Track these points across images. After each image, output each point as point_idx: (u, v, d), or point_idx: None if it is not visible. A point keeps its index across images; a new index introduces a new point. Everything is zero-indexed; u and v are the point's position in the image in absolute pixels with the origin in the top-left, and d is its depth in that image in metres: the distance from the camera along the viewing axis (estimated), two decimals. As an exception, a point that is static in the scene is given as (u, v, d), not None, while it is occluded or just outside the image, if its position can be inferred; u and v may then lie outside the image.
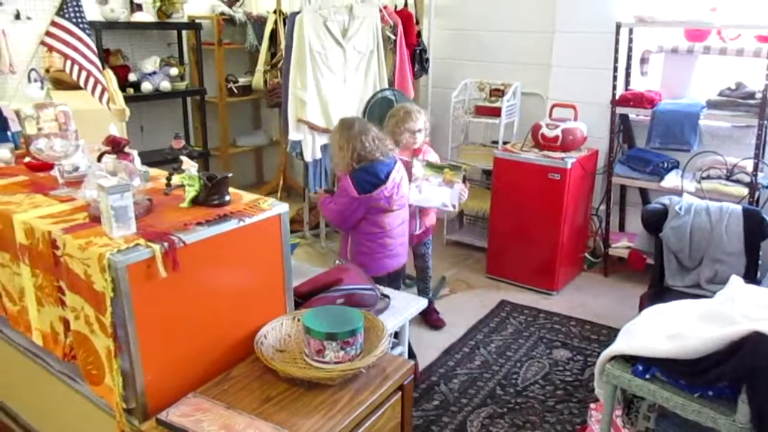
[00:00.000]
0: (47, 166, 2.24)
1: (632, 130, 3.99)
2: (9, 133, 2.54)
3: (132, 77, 4.29)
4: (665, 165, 3.67)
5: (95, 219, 1.72)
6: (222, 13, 4.85)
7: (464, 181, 3.05)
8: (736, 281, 1.74)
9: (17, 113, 2.54)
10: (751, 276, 2.47)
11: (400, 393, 1.80)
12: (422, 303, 2.55)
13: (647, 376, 1.61)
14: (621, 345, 1.68)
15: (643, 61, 3.90)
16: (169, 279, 1.59)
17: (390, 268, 2.86)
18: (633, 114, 3.85)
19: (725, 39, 3.66)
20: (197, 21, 4.65)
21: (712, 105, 3.48)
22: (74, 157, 2.10)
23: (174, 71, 4.50)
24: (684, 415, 1.54)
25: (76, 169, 2.10)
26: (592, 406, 2.33)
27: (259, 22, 4.92)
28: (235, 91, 4.94)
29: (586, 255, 4.09)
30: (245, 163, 5.51)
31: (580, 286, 3.86)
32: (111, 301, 1.52)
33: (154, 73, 4.41)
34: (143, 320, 1.57)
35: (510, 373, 2.87)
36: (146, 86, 4.32)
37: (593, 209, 4.05)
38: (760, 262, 2.49)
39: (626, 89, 3.84)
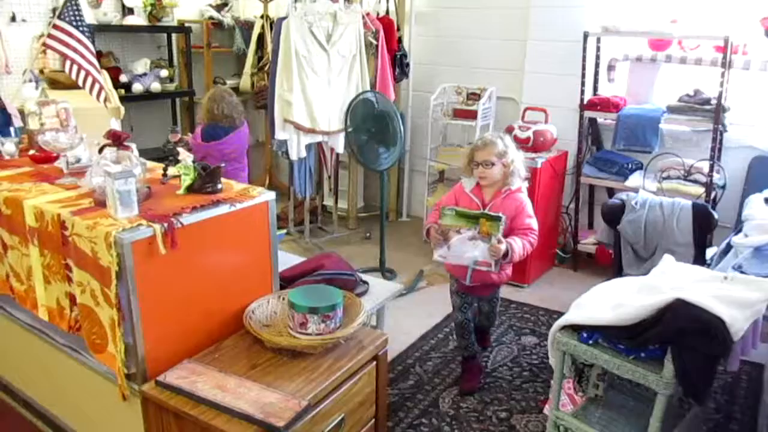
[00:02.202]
0: (50, 159, 2.42)
1: (600, 134, 4.22)
2: (12, 128, 2.70)
3: (123, 78, 4.46)
4: (630, 166, 3.91)
5: (100, 203, 1.90)
6: (211, 18, 5.03)
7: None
8: (668, 259, 1.96)
9: (20, 110, 2.71)
10: (699, 264, 2.69)
11: (375, 362, 1.99)
12: (398, 288, 2.77)
13: (590, 342, 1.82)
14: (570, 316, 1.89)
15: (611, 68, 4.14)
16: (168, 256, 1.78)
17: None
18: (600, 118, 4.09)
19: (685, 49, 3.91)
20: (187, 25, 4.83)
21: (672, 110, 3.72)
22: (77, 149, 2.27)
23: (164, 73, 4.68)
24: (620, 374, 1.75)
25: (79, 160, 2.28)
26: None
27: (247, 27, 5.12)
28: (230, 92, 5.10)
29: (557, 251, 4.32)
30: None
31: (550, 280, 4.08)
32: (116, 275, 1.70)
33: (145, 74, 4.58)
34: (144, 293, 1.75)
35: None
36: (137, 87, 4.49)
37: (563, 208, 4.27)
38: (707, 250, 2.72)
39: (594, 95, 4.08)
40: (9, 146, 2.49)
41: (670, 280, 1.76)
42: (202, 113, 3.57)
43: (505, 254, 2.45)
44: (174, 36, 4.88)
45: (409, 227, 4.95)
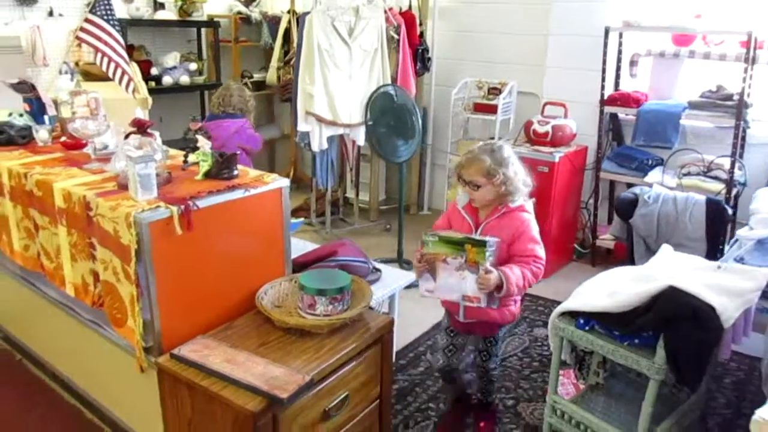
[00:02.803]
0: (80, 145, 2.56)
1: (621, 129, 4.21)
2: (46, 116, 2.85)
3: (154, 71, 4.62)
4: (649, 162, 3.90)
5: (123, 187, 2.01)
6: (239, 13, 5.16)
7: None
8: (666, 249, 1.99)
9: (54, 101, 2.85)
10: (711, 259, 2.70)
11: (380, 344, 2.07)
12: (411, 277, 2.83)
13: (587, 328, 1.86)
14: (568, 303, 1.94)
15: (633, 63, 4.13)
16: (184, 237, 1.89)
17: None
18: (621, 113, 4.08)
19: (709, 44, 3.88)
20: (216, 20, 4.97)
21: (693, 106, 3.70)
22: (104, 136, 2.40)
23: (193, 66, 4.83)
24: (615, 359, 1.79)
25: (106, 147, 2.41)
26: (561, 372, 2.57)
27: (274, 22, 5.23)
28: (250, 86, 5.22)
29: (576, 246, 4.33)
30: (258, 156, 5.77)
31: (567, 275, 4.10)
32: (135, 253, 1.81)
33: (175, 67, 4.74)
34: (161, 271, 1.86)
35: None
36: (167, 80, 4.65)
37: (582, 203, 4.28)
38: (721, 247, 2.72)
39: (615, 90, 4.08)
40: (43, 133, 2.64)
41: (666, 269, 1.80)
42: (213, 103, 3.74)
43: (500, 287, 1.98)
44: (203, 30, 5.02)
45: (429, 220, 4.99)
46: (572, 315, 1.93)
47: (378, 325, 2.06)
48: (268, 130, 5.67)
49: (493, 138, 4.28)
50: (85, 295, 2.11)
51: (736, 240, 2.31)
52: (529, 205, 2.18)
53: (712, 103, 3.64)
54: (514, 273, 2.02)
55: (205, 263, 1.99)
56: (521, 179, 2.12)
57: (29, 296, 2.55)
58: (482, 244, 1.98)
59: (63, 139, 2.60)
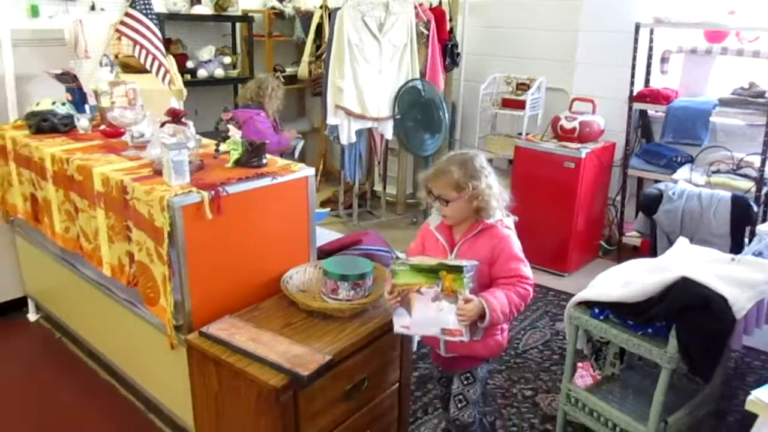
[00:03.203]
0: (118, 133, 2.68)
1: (651, 126, 4.19)
2: (87, 106, 2.98)
3: (189, 64, 4.75)
4: (678, 159, 3.87)
5: (158, 172, 2.12)
6: (273, 8, 5.26)
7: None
8: (682, 241, 2.00)
9: (94, 91, 2.98)
10: (736, 256, 2.69)
11: (400, 329, 2.13)
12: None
13: (601, 318, 1.89)
14: (584, 293, 1.97)
15: (664, 60, 4.10)
16: (214, 221, 1.98)
17: None
18: (651, 110, 4.06)
19: (743, 41, 3.83)
20: (250, 14, 5.08)
21: (723, 103, 3.66)
22: (141, 125, 2.51)
23: (227, 60, 4.95)
24: (628, 348, 1.82)
25: (142, 135, 2.51)
26: (579, 364, 2.61)
27: (306, 17, 5.32)
28: (282, 80, 5.32)
29: (602, 243, 4.32)
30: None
31: (592, 271, 4.07)
32: (168, 235, 1.91)
33: (210, 61, 4.86)
34: (192, 253, 1.96)
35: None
36: (202, 73, 4.78)
37: (609, 200, 4.27)
38: (745, 243, 2.71)
39: (646, 87, 4.05)
40: (83, 122, 2.77)
41: (680, 261, 1.82)
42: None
43: (483, 316, 1.74)
44: (238, 25, 5.14)
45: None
46: (588, 305, 1.97)
47: (398, 310, 2.12)
48: (299, 124, 5.77)
49: (520, 134, 4.30)
50: (120, 275, 2.22)
51: (757, 235, 2.30)
52: (509, 221, 1.94)
53: (743, 101, 3.60)
54: (498, 298, 1.76)
55: (234, 247, 2.08)
56: (496, 193, 1.87)
57: (68, 276, 2.69)
58: (458, 270, 1.72)
59: (102, 127, 2.73)
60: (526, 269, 1.87)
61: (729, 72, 3.93)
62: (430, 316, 1.79)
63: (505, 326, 1.99)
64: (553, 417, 2.50)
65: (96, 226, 2.28)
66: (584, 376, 2.57)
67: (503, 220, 1.91)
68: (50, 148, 2.50)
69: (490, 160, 4.79)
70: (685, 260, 1.84)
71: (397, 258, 1.88)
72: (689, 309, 1.63)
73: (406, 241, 4.39)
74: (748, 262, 1.82)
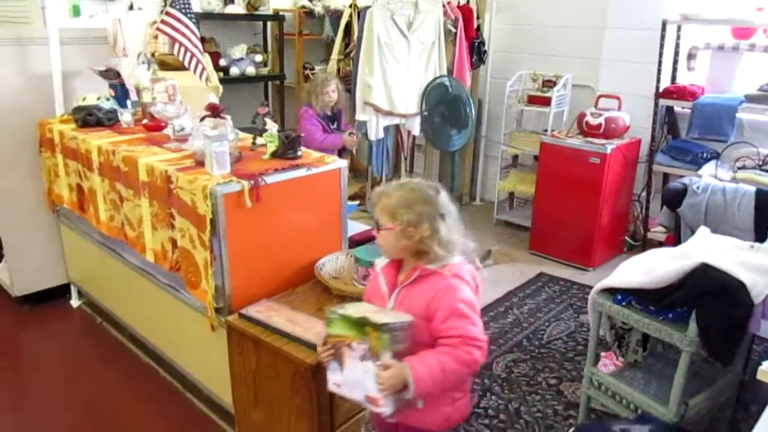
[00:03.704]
0: (159, 127, 2.81)
1: (677, 122, 4.20)
2: (129, 101, 3.12)
3: (222, 62, 4.89)
4: (704, 155, 3.88)
5: (199, 163, 2.24)
6: (303, 7, 5.38)
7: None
8: (703, 230, 2.05)
9: (136, 87, 3.12)
10: (760, 251, 2.71)
11: (428, 314, 2.22)
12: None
13: (624, 304, 1.96)
14: (607, 280, 2.04)
15: (691, 57, 4.11)
16: (253, 209, 2.09)
17: None
18: (677, 107, 4.08)
19: (771, 37, 3.83)
20: (281, 13, 5.21)
21: (750, 99, 3.67)
22: (182, 119, 2.63)
23: (259, 58, 5.08)
24: (650, 333, 1.88)
25: (183, 129, 2.64)
26: (603, 354, 2.66)
27: (336, 16, 5.42)
28: (311, 77, 5.45)
29: (626, 238, 4.35)
30: (317, 144, 6.04)
31: (616, 266, 4.10)
32: (210, 222, 2.03)
33: (242, 59, 5.00)
34: (232, 239, 2.07)
35: (537, 329, 3.23)
36: (234, 70, 4.91)
37: (635, 196, 4.30)
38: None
39: (672, 83, 4.07)
40: (126, 116, 2.91)
41: (700, 248, 1.87)
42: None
43: (407, 386, 1.42)
44: (269, 24, 5.27)
45: (481, 210, 5.11)
46: (611, 292, 2.03)
47: (426, 297, 2.21)
48: (327, 120, 5.89)
49: (545, 131, 4.34)
50: (163, 261, 2.35)
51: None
52: (467, 270, 1.59)
53: (770, 97, 3.61)
54: (428, 365, 1.43)
55: (271, 234, 2.19)
56: (444, 239, 1.53)
57: (111, 263, 2.83)
58: (380, 328, 1.42)
59: (144, 121, 2.86)
60: (474, 328, 1.49)
61: (756, 68, 3.93)
62: (357, 378, 1.48)
63: (458, 395, 1.60)
64: (576, 404, 2.57)
65: (140, 214, 2.41)
66: (607, 364, 2.63)
67: (453, 266, 1.55)
68: (96, 140, 2.64)
69: (515, 157, 4.84)
70: (706, 248, 1.90)
71: (330, 308, 1.56)
72: (709, 294, 1.68)
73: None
74: (766, 249, 1.87)
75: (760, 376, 1.21)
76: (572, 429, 2.03)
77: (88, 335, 3.18)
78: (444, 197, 1.59)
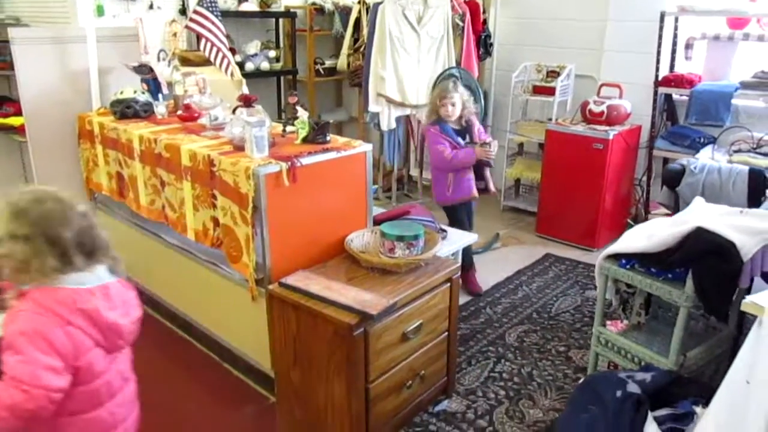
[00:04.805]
0: (192, 118, 3.01)
1: (675, 109, 4.41)
2: (160, 95, 3.33)
3: (237, 58, 5.08)
4: (701, 140, 4.09)
5: (238, 148, 2.44)
6: (313, 4, 5.57)
7: None
8: (698, 200, 2.26)
9: (168, 81, 3.33)
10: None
11: (449, 284, 2.43)
12: (473, 237, 3.17)
13: (628, 267, 2.16)
14: (613, 246, 2.24)
15: (688, 46, 4.31)
16: (290, 188, 2.30)
17: (473, 190, 3.41)
18: (676, 94, 4.28)
19: (764, 27, 4.03)
20: (292, 10, 5.41)
21: (745, 86, 3.88)
22: (216, 110, 2.84)
23: (272, 54, 5.28)
24: (651, 291, 2.09)
25: (216, 118, 2.85)
26: (609, 322, 2.87)
27: (345, 12, 5.61)
28: (322, 72, 5.65)
29: (629, 221, 4.55)
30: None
31: (620, 247, 4.34)
32: (252, 200, 2.23)
33: (256, 55, 5.20)
34: (272, 215, 2.28)
35: (546, 304, 3.45)
36: (249, 66, 5.11)
37: (636, 180, 4.51)
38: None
39: (671, 72, 4.28)
40: (161, 108, 3.12)
41: (696, 215, 2.08)
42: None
43: None
44: (281, 20, 5.47)
45: (488, 199, 5.30)
46: (616, 257, 2.24)
47: (447, 267, 2.43)
48: (338, 113, 6.09)
49: (550, 119, 4.54)
50: (205, 239, 2.56)
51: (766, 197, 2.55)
52: (65, 295, 1.38)
53: (764, 83, 3.81)
54: None
55: (305, 212, 2.40)
56: (19, 262, 1.36)
57: (149, 244, 3.04)
58: None
59: (179, 112, 3.07)
60: (23, 368, 1.31)
61: (751, 57, 4.13)
62: None
63: None
64: (584, 368, 2.78)
65: (182, 197, 2.62)
66: (613, 331, 2.84)
67: (34, 293, 1.37)
68: (137, 130, 2.84)
69: (521, 145, 5.04)
70: (701, 214, 2.10)
71: None
72: (703, 254, 1.89)
73: (444, 221, 4.68)
74: (754, 213, 2.07)
75: (744, 308, 1.41)
76: (582, 379, 2.24)
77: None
78: (84, 205, 1.50)
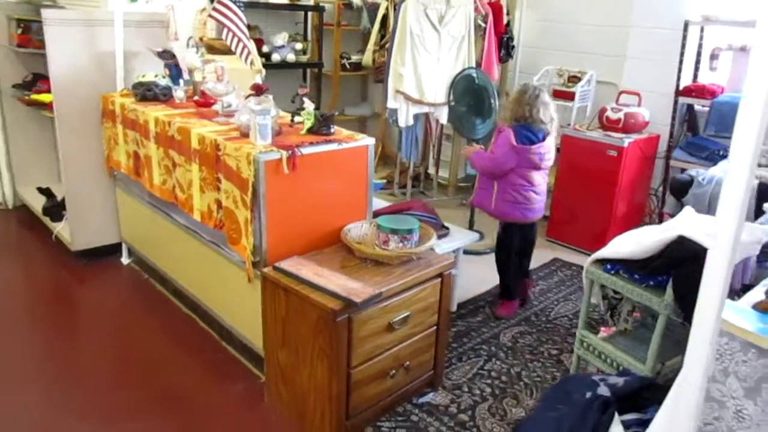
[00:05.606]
0: (208, 103, 3.12)
1: (696, 120, 4.36)
2: (181, 80, 3.45)
3: (265, 49, 5.20)
4: (720, 152, 4.04)
5: (244, 135, 2.53)
6: (343, -1, 5.66)
7: None
8: (687, 210, 2.26)
9: (189, 68, 3.44)
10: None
11: (440, 279, 2.48)
12: (475, 236, 3.22)
13: (612, 272, 2.18)
14: (600, 251, 2.27)
15: (713, 57, 4.26)
16: (290, 176, 2.37)
17: (527, 218, 3.20)
18: (697, 104, 4.24)
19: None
20: (321, 4, 5.50)
21: (766, 99, 3.82)
22: (229, 96, 2.94)
23: (299, 46, 5.37)
24: (632, 297, 2.11)
25: (230, 105, 2.94)
26: (602, 328, 2.89)
27: (373, 8, 5.68)
28: (348, 66, 5.74)
29: (642, 230, 4.53)
30: (350, 131, 6.32)
31: (630, 256, 4.31)
32: (252, 185, 2.32)
33: (283, 46, 5.30)
34: (270, 201, 2.36)
35: (546, 307, 3.46)
36: (275, 57, 5.22)
37: (652, 190, 4.47)
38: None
39: (693, 82, 4.23)
40: (179, 93, 3.23)
41: (682, 224, 2.09)
42: (508, 111, 3.22)
43: None
44: (309, 14, 5.56)
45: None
46: (602, 262, 2.26)
47: (440, 263, 2.48)
48: (361, 108, 6.17)
49: (569, 124, 4.53)
50: (209, 220, 2.66)
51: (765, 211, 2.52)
52: None
53: (786, 98, 3.75)
54: None
55: (304, 200, 2.47)
56: None
57: (161, 223, 3.16)
58: None
59: (195, 98, 3.18)
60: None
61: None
62: None
63: None
64: (574, 372, 2.80)
65: (190, 179, 2.72)
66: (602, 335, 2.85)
67: None
68: (154, 112, 2.96)
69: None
70: (686, 223, 2.11)
71: None
72: (682, 261, 1.90)
73: (455, 219, 4.73)
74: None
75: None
76: (558, 380, 2.27)
77: (136, 289, 3.53)
78: None
